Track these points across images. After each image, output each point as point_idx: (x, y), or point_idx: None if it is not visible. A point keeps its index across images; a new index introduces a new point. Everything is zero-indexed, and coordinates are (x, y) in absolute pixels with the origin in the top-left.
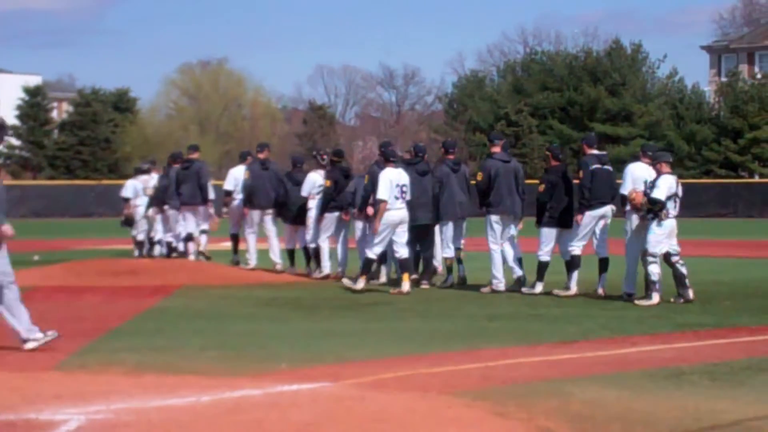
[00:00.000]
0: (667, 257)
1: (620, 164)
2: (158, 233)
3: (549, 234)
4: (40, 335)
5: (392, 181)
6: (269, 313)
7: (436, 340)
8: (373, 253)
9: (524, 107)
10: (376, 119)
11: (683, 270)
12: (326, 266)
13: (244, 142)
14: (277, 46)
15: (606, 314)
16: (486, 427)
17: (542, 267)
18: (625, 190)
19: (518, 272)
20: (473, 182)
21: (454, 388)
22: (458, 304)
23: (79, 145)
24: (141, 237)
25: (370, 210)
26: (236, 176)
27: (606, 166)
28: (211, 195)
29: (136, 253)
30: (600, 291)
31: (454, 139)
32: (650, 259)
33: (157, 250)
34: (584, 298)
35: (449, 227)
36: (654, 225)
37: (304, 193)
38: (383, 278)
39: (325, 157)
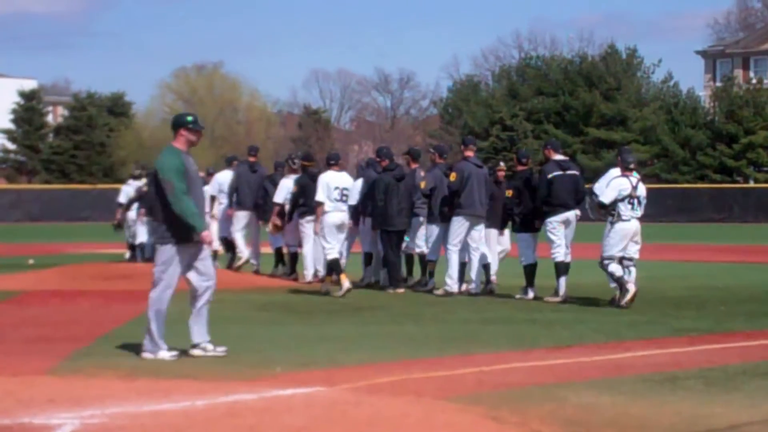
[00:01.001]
0: (620, 260)
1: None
2: (139, 237)
3: (526, 238)
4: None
5: (329, 184)
6: (264, 317)
7: (431, 345)
8: (329, 255)
9: (519, 112)
10: (372, 123)
11: (626, 276)
12: (308, 273)
13: (240, 146)
14: (273, 51)
15: (600, 319)
16: (480, 431)
17: (529, 270)
18: (601, 194)
19: (474, 282)
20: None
21: (449, 393)
22: (452, 308)
23: (75, 149)
24: (131, 241)
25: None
26: (220, 181)
27: (569, 171)
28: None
29: (127, 255)
30: (563, 294)
31: (449, 144)
32: (605, 262)
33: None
34: (577, 304)
35: (434, 230)
36: (607, 228)
37: (277, 199)
38: (370, 279)
39: (296, 161)
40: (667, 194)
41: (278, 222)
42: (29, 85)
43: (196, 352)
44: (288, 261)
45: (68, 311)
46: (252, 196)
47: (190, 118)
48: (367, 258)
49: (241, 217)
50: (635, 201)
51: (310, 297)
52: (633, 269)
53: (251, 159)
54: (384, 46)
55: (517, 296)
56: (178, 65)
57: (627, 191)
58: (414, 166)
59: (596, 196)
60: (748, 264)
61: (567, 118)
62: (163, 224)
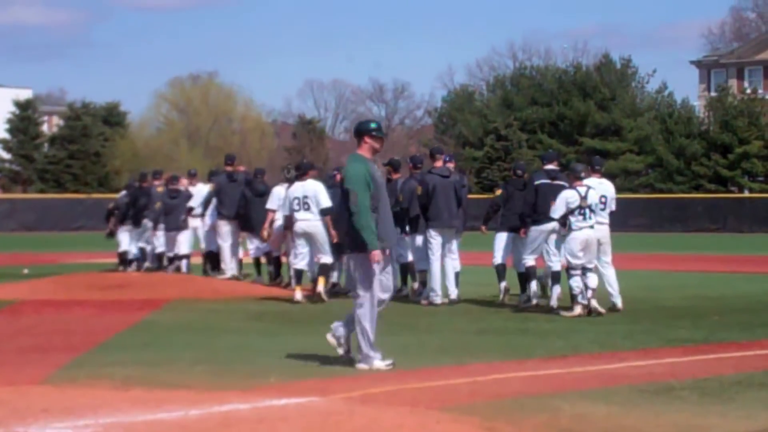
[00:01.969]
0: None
1: (609, 179)
2: (122, 245)
3: (500, 238)
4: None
5: (280, 195)
6: (258, 327)
7: (425, 355)
8: (297, 265)
9: (514, 122)
10: None
11: (580, 285)
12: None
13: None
14: (267, 61)
15: (595, 329)
16: None
17: (500, 270)
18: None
19: (453, 291)
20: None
21: (443, 403)
22: (447, 318)
23: (70, 159)
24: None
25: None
26: (200, 193)
27: (556, 182)
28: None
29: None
30: (553, 304)
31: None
32: (571, 272)
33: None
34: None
35: (418, 240)
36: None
37: (270, 206)
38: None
39: (292, 171)
40: (662, 204)
41: (270, 230)
42: (24, 94)
43: (361, 365)
44: (273, 266)
45: (63, 321)
46: (233, 205)
47: (373, 125)
48: None
49: (225, 228)
50: (586, 210)
51: (305, 307)
52: (592, 275)
53: (228, 168)
54: (378, 56)
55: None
56: (173, 75)
57: (576, 202)
58: (396, 176)
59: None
60: (743, 274)
61: (561, 127)
62: (351, 233)
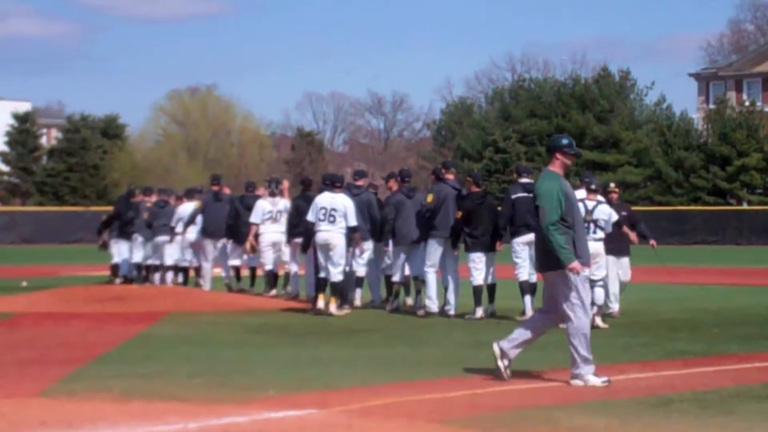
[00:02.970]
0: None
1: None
2: (114, 258)
3: (478, 258)
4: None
5: (264, 208)
6: (257, 340)
7: (424, 367)
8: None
9: (512, 134)
10: (365, 146)
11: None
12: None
13: (233, 168)
14: (266, 73)
15: (594, 342)
16: None
17: (477, 291)
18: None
19: (451, 303)
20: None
21: (442, 416)
22: (446, 331)
23: (68, 172)
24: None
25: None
26: (182, 212)
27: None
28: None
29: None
30: (529, 314)
31: (411, 169)
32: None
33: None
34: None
35: (400, 252)
36: None
37: (254, 219)
38: (357, 302)
39: (279, 185)
40: (661, 216)
41: (255, 243)
42: (23, 107)
43: (575, 382)
44: (264, 278)
45: (61, 333)
46: (218, 224)
47: (566, 141)
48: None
49: (209, 247)
50: (591, 224)
51: (303, 319)
52: (598, 288)
53: (214, 188)
54: (377, 69)
55: (467, 317)
56: (171, 87)
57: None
58: (475, 189)
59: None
60: (742, 286)
61: None
62: (547, 250)
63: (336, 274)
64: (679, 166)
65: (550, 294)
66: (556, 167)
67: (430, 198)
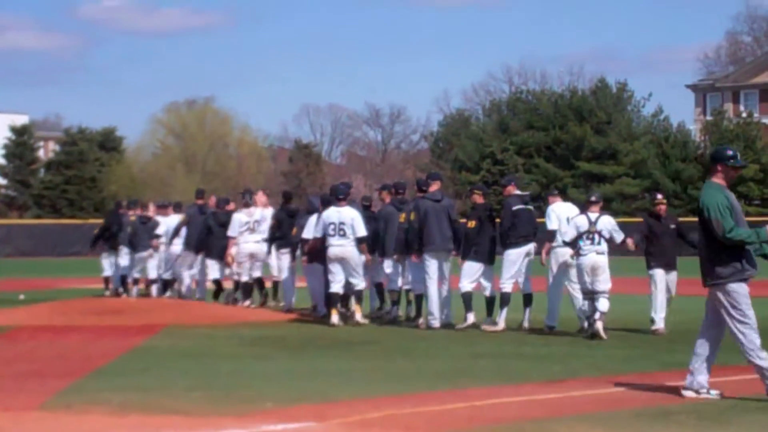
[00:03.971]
0: (591, 294)
1: (606, 203)
2: (105, 271)
3: (471, 268)
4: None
5: (241, 220)
6: (255, 352)
7: (422, 380)
8: (333, 289)
9: (510, 146)
10: (362, 158)
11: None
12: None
13: (230, 180)
14: (263, 85)
15: (592, 353)
16: None
17: (467, 298)
18: (552, 226)
19: (446, 313)
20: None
21: (440, 428)
22: (443, 343)
23: (66, 184)
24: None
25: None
26: (168, 224)
27: (528, 206)
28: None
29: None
30: (525, 325)
31: (407, 181)
32: (597, 295)
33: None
34: (569, 338)
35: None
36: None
37: (231, 233)
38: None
39: (254, 197)
40: None
41: (233, 255)
42: (20, 120)
43: (688, 393)
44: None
45: (59, 346)
46: (198, 237)
47: (730, 153)
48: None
49: (190, 259)
50: (594, 235)
51: (301, 332)
52: (603, 300)
53: (199, 202)
54: (375, 81)
55: (458, 327)
56: (169, 100)
57: (585, 227)
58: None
59: (562, 234)
60: None
61: (557, 151)
62: (711, 264)
63: (359, 284)
64: (677, 178)
65: (713, 308)
66: (718, 179)
67: (412, 216)
